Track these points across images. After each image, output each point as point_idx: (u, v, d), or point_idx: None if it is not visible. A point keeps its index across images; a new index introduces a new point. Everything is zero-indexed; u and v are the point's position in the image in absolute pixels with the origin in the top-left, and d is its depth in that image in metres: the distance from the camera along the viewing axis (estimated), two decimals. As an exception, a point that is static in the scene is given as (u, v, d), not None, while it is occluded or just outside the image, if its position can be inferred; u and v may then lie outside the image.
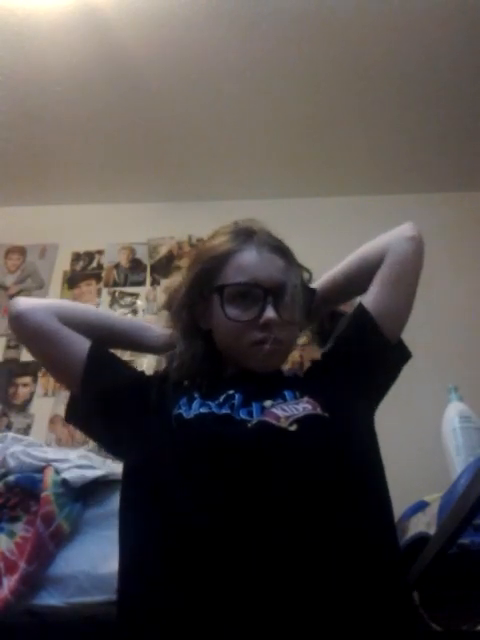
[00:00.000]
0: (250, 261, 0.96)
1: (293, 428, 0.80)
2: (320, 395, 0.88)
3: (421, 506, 1.22)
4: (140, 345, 1.08)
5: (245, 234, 1.01)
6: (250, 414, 0.85)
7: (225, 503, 0.76)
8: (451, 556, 1.01)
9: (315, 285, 1.04)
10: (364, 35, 2.05)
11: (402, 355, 1.01)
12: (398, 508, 1.02)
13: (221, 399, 0.89)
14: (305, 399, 0.86)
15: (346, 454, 0.83)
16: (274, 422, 0.81)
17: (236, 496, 0.76)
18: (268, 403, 0.87)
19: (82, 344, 0.98)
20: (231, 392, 0.89)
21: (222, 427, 0.83)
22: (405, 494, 1.08)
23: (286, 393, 0.88)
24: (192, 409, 0.87)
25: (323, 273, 1.08)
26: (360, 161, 2.54)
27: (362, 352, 0.97)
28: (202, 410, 0.87)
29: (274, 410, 0.83)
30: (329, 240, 2.41)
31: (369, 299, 0.99)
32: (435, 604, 1.18)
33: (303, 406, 0.84)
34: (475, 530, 1.00)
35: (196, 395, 0.92)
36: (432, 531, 1.10)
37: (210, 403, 0.88)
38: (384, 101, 2.27)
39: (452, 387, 1.46)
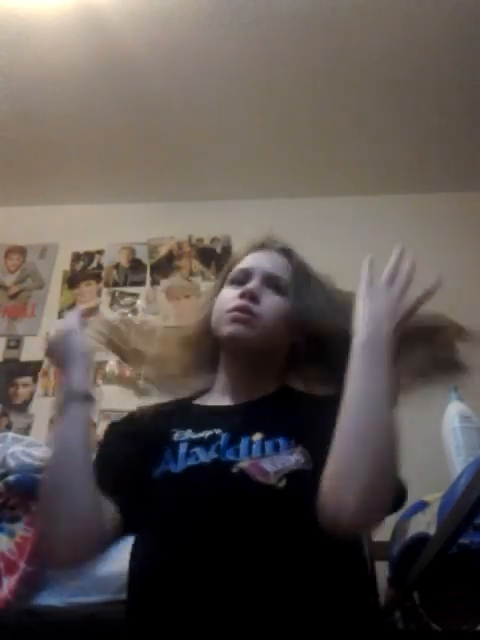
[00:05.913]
0: (253, 256, 1.05)
1: (282, 484, 0.80)
2: (315, 441, 0.84)
3: (421, 506, 1.22)
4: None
5: (264, 242, 1.08)
6: (236, 453, 0.85)
7: (202, 555, 0.77)
8: (451, 556, 1.01)
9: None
10: (364, 35, 2.05)
11: None
12: (398, 508, 1.02)
13: (206, 436, 0.89)
14: (299, 449, 0.84)
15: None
16: (261, 479, 0.81)
17: (213, 552, 0.77)
18: (257, 437, 0.86)
19: None
20: (217, 432, 0.89)
21: (209, 479, 0.84)
22: (405, 494, 1.08)
23: (281, 441, 0.85)
24: (179, 463, 0.87)
25: (322, 273, 1.08)
26: (360, 161, 2.53)
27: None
28: (189, 462, 0.86)
29: (263, 464, 0.82)
30: (329, 240, 2.42)
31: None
32: (435, 604, 1.18)
33: (296, 459, 0.83)
34: (475, 530, 1.00)
35: (177, 438, 0.91)
36: (432, 531, 1.10)
37: (196, 450, 0.87)
38: (384, 101, 2.28)
39: (452, 387, 1.46)
